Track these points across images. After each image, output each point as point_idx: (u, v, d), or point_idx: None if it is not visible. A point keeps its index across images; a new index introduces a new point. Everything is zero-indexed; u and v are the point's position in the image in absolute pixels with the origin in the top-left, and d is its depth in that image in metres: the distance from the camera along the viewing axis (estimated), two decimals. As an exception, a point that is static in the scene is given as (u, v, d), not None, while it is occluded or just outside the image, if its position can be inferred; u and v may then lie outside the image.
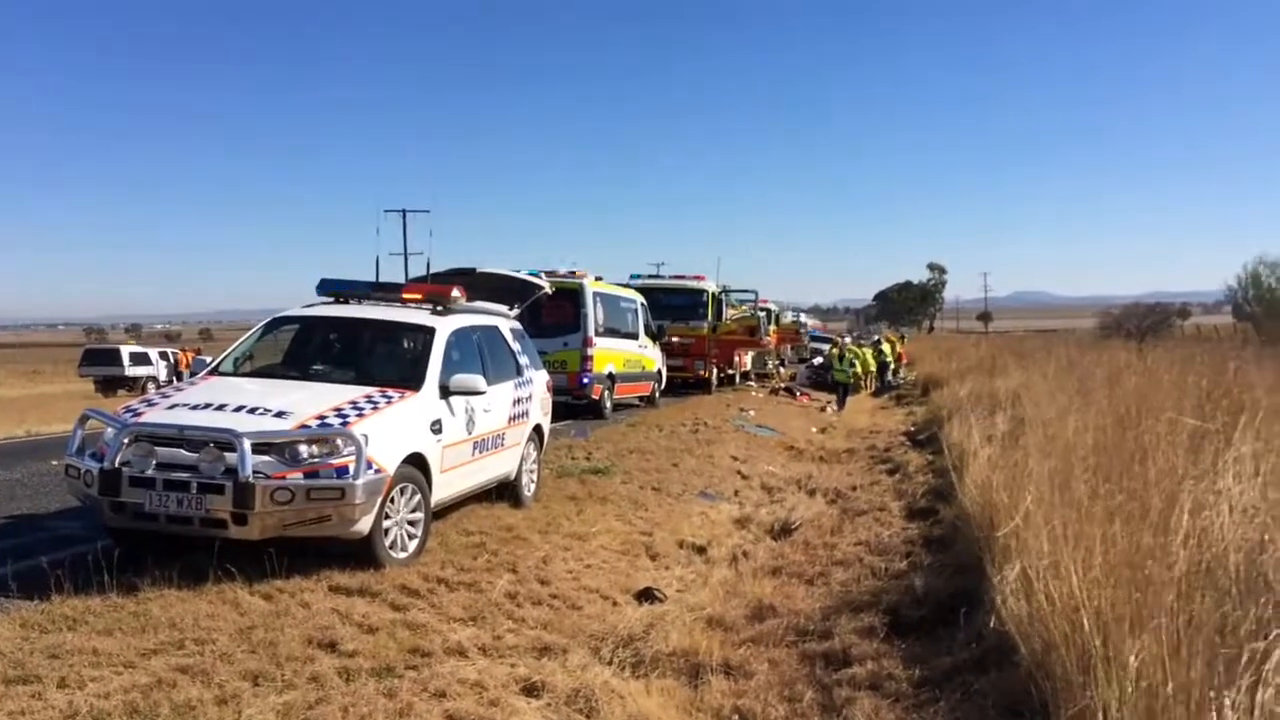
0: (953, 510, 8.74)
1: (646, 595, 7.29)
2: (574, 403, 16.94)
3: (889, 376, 33.37)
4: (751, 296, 30.33)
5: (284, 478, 6.16)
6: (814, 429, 20.26)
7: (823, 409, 24.02)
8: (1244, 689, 3.48)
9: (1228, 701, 3.41)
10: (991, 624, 5.24)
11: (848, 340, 36.78)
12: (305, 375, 7.76)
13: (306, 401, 6.80)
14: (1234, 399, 8.47)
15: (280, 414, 6.55)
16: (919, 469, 13.30)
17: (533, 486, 9.83)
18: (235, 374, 7.99)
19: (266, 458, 6.21)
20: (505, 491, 9.26)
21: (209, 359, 8.52)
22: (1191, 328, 53.15)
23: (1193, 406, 7.85)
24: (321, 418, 6.58)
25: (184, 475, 6.18)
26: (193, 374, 8.12)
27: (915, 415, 21.82)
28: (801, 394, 27.09)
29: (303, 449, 6.30)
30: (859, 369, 30.49)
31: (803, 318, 52.62)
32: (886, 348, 35.28)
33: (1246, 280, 34.68)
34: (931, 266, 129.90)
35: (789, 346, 40.70)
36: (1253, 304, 34.42)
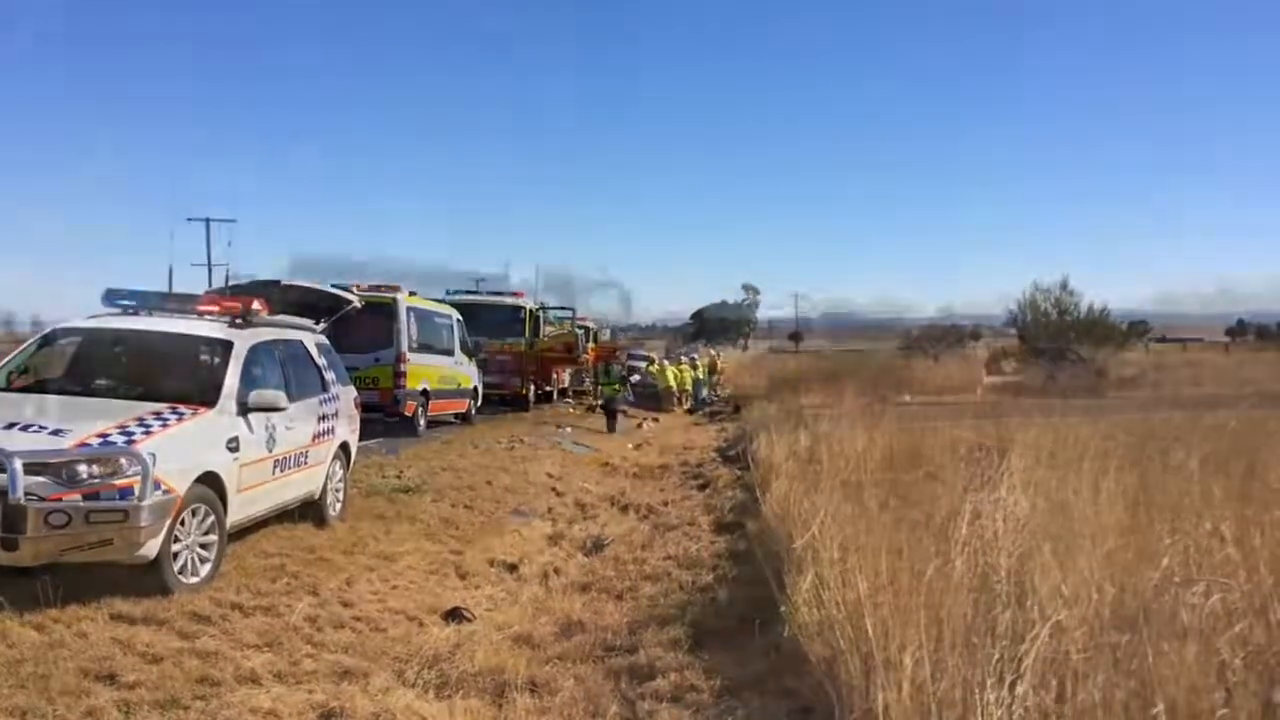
0: (757, 524, 9.02)
1: (454, 615, 7.19)
2: (387, 420, 16.55)
3: (704, 394, 34.13)
4: (569, 314, 30.44)
5: (60, 500, 5.77)
6: (630, 446, 20.50)
7: (639, 425, 24.34)
8: (1007, 685, 3.74)
9: (992, 698, 3.65)
10: (786, 633, 5.44)
11: (660, 357, 37.43)
12: (87, 391, 7.30)
13: (87, 418, 6.40)
14: (1007, 415, 9.13)
15: (57, 432, 6.14)
16: (728, 484, 13.64)
17: (338, 506, 9.55)
18: (8, 389, 7.42)
19: (41, 478, 5.80)
20: (309, 511, 8.95)
21: None
22: (983, 348, 56.80)
23: (971, 423, 8.41)
24: (104, 435, 6.20)
25: (-55, 499, 5.69)
26: None
27: (727, 432, 22.39)
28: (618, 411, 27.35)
29: (82, 469, 5.92)
30: (671, 383, 31.09)
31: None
32: (702, 364, 36.08)
33: (1025, 305, 37.71)
34: (746, 287, 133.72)
35: (606, 364, 41.08)
36: (1032, 327, 37.44)
